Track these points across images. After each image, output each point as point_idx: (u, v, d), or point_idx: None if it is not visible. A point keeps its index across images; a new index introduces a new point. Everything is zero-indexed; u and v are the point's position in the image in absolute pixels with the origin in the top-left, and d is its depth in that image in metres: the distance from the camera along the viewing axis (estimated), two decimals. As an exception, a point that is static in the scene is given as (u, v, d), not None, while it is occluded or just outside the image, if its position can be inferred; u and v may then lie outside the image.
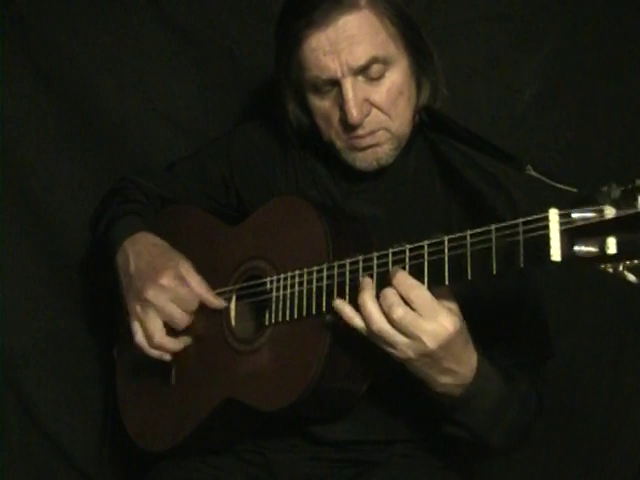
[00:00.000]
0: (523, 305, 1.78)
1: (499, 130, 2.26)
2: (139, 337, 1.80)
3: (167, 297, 1.78)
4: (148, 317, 1.78)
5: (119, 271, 1.88)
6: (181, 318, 1.78)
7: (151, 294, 1.78)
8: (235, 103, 2.36)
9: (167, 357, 1.81)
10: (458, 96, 2.09)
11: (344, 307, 1.54)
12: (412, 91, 1.78)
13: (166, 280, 1.78)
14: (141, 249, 1.86)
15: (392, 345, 1.48)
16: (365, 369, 1.68)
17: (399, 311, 1.45)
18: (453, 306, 1.50)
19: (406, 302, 1.45)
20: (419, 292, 1.45)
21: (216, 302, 1.81)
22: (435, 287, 1.46)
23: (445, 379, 1.53)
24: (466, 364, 1.54)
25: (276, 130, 1.96)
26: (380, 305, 1.47)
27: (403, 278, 1.46)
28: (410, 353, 1.48)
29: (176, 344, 1.81)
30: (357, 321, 1.51)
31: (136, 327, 1.81)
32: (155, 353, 1.81)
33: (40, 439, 2.37)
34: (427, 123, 1.84)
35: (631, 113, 2.29)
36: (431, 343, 1.46)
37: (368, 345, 1.64)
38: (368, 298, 1.49)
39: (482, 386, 1.57)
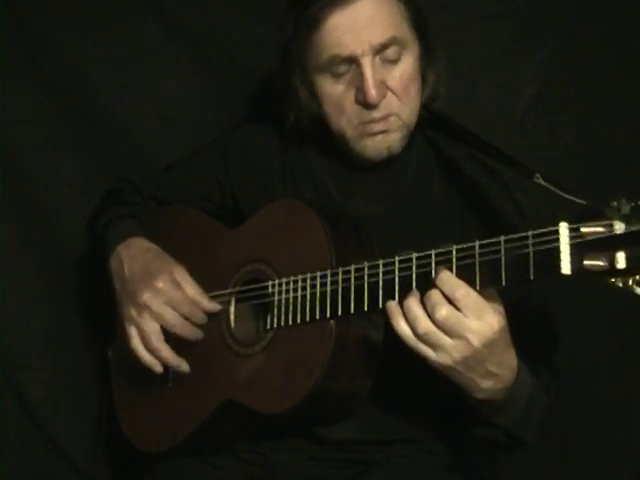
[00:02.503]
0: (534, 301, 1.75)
1: (499, 130, 2.25)
2: (135, 342, 1.80)
3: (162, 300, 1.78)
4: (144, 321, 1.78)
5: (113, 275, 1.88)
6: (175, 321, 1.79)
7: (146, 297, 1.78)
8: (235, 103, 2.36)
9: (159, 368, 1.80)
10: (458, 96, 2.10)
11: (396, 311, 1.50)
12: (420, 83, 1.79)
13: (161, 283, 1.78)
14: (135, 254, 1.87)
15: (437, 348, 1.45)
16: (367, 372, 1.68)
17: (443, 310, 1.42)
18: (498, 305, 1.46)
19: (450, 302, 1.43)
20: (464, 291, 1.42)
21: (210, 306, 1.81)
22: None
23: (487, 383, 1.50)
24: (507, 367, 1.51)
25: (274, 131, 1.96)
26: (424, 306, 1.45)
27: (447, 277, 1.43)
28: (455, 355, 1.44)
29: (171, 354, 1.80)
30: (402, 325, 1.47)
31: (132, 332, 1.80)
32: (149, 359, 1.79)
33: (40, 439, 2.37)
34: (427, 120, 1.84)
35: (631, 113, 2.30)
36: (476, 341, 1.42)
37: (370, 348, 1.66)
38: (413, 301, 1.46)
39: (519, 388, 1.56)
